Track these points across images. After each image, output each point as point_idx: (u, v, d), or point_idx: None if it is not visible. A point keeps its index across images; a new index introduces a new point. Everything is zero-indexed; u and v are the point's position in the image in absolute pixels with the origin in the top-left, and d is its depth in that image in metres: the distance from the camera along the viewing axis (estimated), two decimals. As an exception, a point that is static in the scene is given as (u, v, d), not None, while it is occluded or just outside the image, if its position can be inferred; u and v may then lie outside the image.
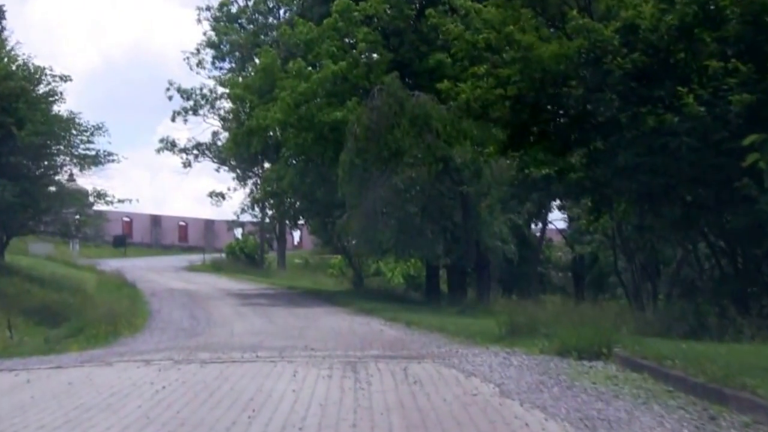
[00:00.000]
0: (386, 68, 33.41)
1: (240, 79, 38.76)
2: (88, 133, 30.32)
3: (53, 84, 30.08)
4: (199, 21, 50.54)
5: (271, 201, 37.47)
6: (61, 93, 30.21)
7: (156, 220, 77.25)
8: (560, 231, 39.50)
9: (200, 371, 12.37)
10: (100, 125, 30.79)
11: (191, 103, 52.81)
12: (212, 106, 48.96)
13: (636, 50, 16.27)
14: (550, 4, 17.63)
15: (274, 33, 40.42)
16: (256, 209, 42.54)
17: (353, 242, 32.50)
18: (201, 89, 51.86)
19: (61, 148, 30.06)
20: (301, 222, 45.94)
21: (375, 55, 34.73)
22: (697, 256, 20.38)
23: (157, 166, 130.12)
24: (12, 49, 30.42)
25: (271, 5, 44.34)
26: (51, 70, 30.07)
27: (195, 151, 53.75)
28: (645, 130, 16.22)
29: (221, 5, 48.18)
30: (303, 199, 37.54)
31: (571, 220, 34.22)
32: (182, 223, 78.55)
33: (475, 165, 30.22)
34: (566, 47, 16.58)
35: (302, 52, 34.79)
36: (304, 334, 21.21)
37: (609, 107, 16.68)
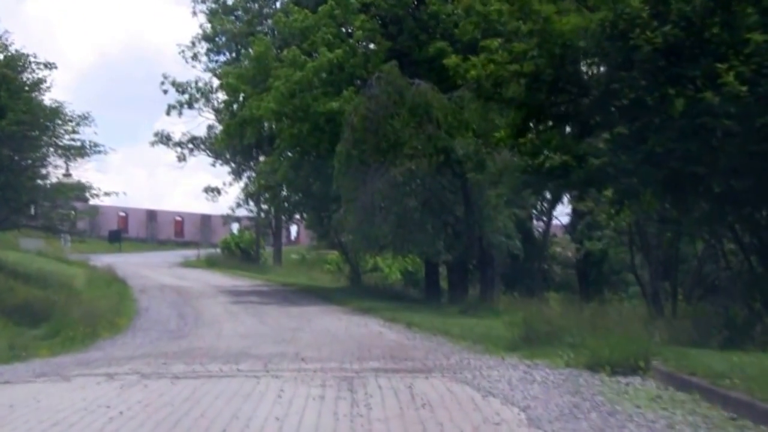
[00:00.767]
0: (384, 57, 31.27)
1: (234, 69, 36.52)
2: (73, 123, 28.04)
3: (37, 72, 27.86)
4: (194, 13, 48.11)
5: (266, 195, 35.22)
6: (45, 81, 28.01)
7: (152, 215, 75.01)
8: (564, 226, 37.28)
9: (169, 390, 10.21)
10: (86, 115, 28.50)
11: (186, 96, 50.49)
12: (207, 99, 46.67)
13: (667, 23, 14.08)
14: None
15: (269, 21, 38.18)
16: (251, 203, 40.28)
17: (350, 237, 30.18)
18: (196, 82, 49.54)
19: (46, 138, 27.69)
20: (297, 216, 43.63)
21: (372, 45, 32.53)
22: (723, 253, 18.24)
23: (155, 162, 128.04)
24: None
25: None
26: (35, 57, 27.85)
27: (190, 145, 51.44)
28: (674, 113, 14.07)
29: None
30: (298, 193, 35.30)
31: (579, 214, 31.88)
32: (178, 218, 76.31)
33: (477, 156, 28.07)
34: (588, 20, 14.38)
35: (297, 40, 32.59)
36: (296, 337, 19.08)
37: (636, 87, 14.52)
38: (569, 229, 36.66)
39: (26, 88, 27.44)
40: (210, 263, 53.12)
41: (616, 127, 14.92)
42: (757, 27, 13.73)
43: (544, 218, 37.19)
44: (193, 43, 48.62)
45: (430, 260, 34.29)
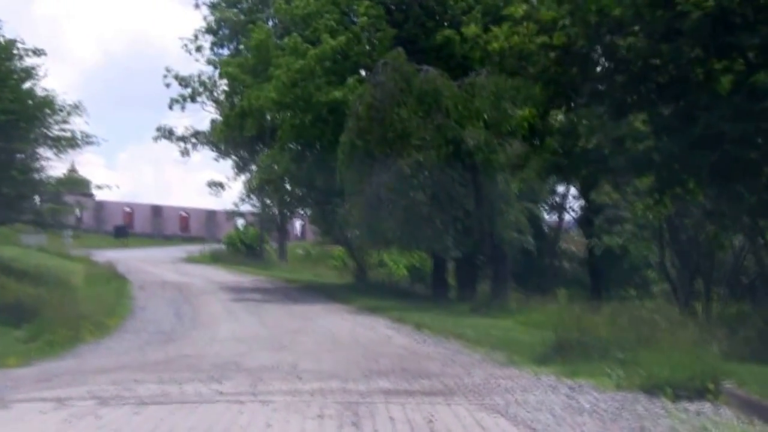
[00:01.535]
0: (390, 45, 28.93)
1: (234, 59, 34.14)
2: (63, 113, 25.61)
3: (26, 59, 25.45)
4: (197, 5, 45.68)
5: (267, 189, 32.81)
6: (35, 69, 25.58)
7: (157, 211, 72.57)
8: (576, 221, 34.80)
9: (127, 423, 7.85)
10: (78, 104, 26.05)
11: (189, 90, 48.15)
12: (210, 93, 44.28)
13: (722, -16, 11.72)
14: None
15: (271, 10, 35.75)
16: (253, 198, 37.73)
17: (355, 233, 27.68)
18: (199, 76, 47.15)
19: (36, 129, 25.26)
20: (299, 211, 41.18)
21: (377, 32, 30.13)
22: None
23: (162, 159, 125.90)
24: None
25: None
26: (23, 42, 25.43)
27: (193, 140, 49.03)
28: (721, 91, 11.70)
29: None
30: (300, 187, 32.87)
31: (597, 208, 29.27)
32: (184, 214, 73.84)
33: (489, 147, 25.71)
34: (628, -16, 12.04)
35: (299, 28, 30.22)
36: (295, 341, 16.73)
37: (680, 61, 12.14)
38: (582, 223, 34.23)
39: (14, 76, 25.00)
40: (214, 259, 50.76)
41: (657, 106, 12.55)
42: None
43: (551, 213, 34.75)
44: (196, 36, 46.37)
45: (438, 256, 31.96)
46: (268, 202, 37.65)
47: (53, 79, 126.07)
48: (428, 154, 25.88)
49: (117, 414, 8.21)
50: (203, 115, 61.01)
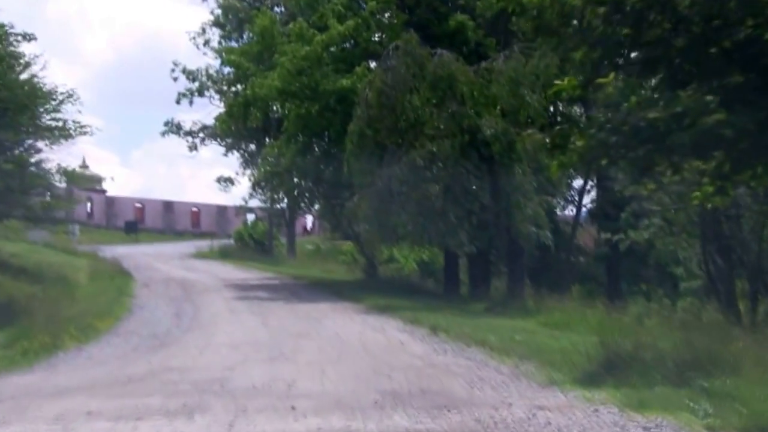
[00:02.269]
0: (400, 30, 26.34)
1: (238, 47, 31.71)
2: (55, 102, 23.14)
3: (15, 45, 23.01)
4: (204, -1, 43.18)
5: (272, 182, 30.30)
6: (25, 55, 23.19)
7: (168, 206, 70.00)
8: (590, 212, 32.17)
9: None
10: (72, 92, 23.57)
11: (197, 84, 45.62)
12: (216, 84, 41.65)
13: None
14: None
15: (276, -4, 33.27)
16: (259, 192, 35.35)
17: (365, 227, 25.06)
18: (207, 70, 44.56)
19: (25, 119, 22.78)
20: (304, 206, 38.55)
21: (387, 17, 27.63)
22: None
23: (175, 156, 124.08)
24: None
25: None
26: (12, 27, 22.99)
27: (201, 135, 46.43)
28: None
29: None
30: (307, 180, 30.32)
31: (621, 201, 26.59)
32: (195, 209, 71.34)
33: (507, 137, 23.20)
34: None
35: (306, 14, 27.71)
36: (297, 349, 14.28)
37: (758, 20, 9.61)
38: (597, 217, 31.73)
39: (2, 63, 22.57)
40: (223, 255, 48.34)
41: (724, 75, 10.00)
42: None
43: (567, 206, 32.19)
44: (204, 30, 43.85)
45: (450, 252, 29.49)
46: (275, 196, 35.07)
47: (65, 78, 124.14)
48: (442, 144, 23.38)
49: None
50: (211, 110, 58.27)
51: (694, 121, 9.62)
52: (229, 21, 40.72)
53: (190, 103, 44.66)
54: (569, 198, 31.22)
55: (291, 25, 27.02)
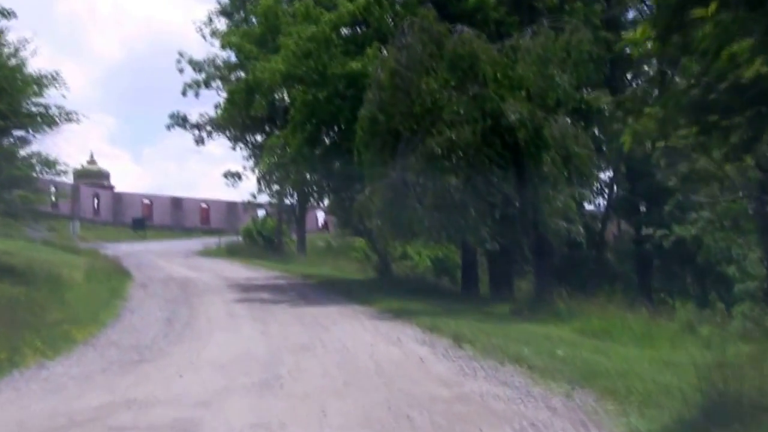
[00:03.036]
0: (415, 9, 23.64)
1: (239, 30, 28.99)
2: (36, 86, 20.40)
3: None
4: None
5: (277, 175, 27.50)
6: (3, 33, 20.47)
7: (177, 203, 67.28)
8: (619, 205, 29.22)
9: None
10: (56, 75, 20.79)
11: (204, 75, 43.08)
12: (220, 72, 39.09)
13: None
14: None
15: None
16: (264, 186, 32.44)
17: (377, 223, 22.16)
18: (213, 60, 41.97)
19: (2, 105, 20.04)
20: (316, 200, 35.74)
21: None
22: None
23: (186, 153, 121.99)
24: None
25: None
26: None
27: (208, 127, 43.80)
28: None
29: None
30: (315, 172, 27.50)
31: (663, 193, 23.63)
32: (204, 206, 68.59)
33: (533, 122, 20.41)
34: None
35: (314, -6, 24.98)
36: (296, 370, 11.55)
37: None
38: (626, 211, 28.87)
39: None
40: (231, 252, 45.73)
41: None
42: None
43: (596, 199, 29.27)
44: (210, 19, 41.32)
45: (469, 248, 26.73)
46: (282, 190, 32.31)
47: (76, 77, 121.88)
48: (462, 130, 20.58)
49: None
50: (218, 102, 55.80)
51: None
52: (236, 7, 38.23)
53: (196, 94, 42.37)
54: (597, 190, 28.33)
55: (296, 4, 24.26)
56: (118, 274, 30.03)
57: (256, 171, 27.76)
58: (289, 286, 28.53)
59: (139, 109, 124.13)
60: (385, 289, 25.98)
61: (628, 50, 15.13)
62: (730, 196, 16.30)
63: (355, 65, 23.47)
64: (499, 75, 20.60)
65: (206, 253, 45.85)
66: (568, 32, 20.50)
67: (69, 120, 20.70)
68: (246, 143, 40.23)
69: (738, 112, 7.21)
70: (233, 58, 32.65)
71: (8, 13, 20.34)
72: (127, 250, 43.70)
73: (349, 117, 23.56)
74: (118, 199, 63.74)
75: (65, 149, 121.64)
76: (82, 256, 36.74)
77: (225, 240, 49.51)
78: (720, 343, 12.48)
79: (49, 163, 21.16)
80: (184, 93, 42.37)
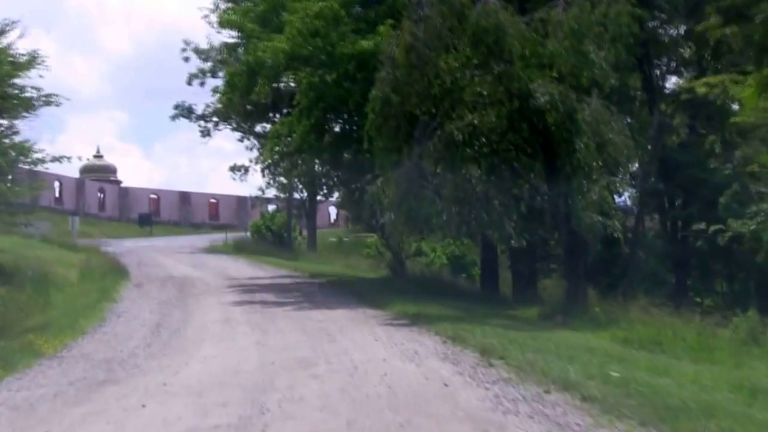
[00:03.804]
0: (433, -18, 21.13)
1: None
2: (11, 67, 18.04)
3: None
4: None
5: (282, 165, 25.05)
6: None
7: (185, 198, 64.93)
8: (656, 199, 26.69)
9: None
10: (35, 54, 18.41)
11: (209, 64, 40.85)
12: (222, 56, 36.87)
13: None
14: None
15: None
16: (269, 178, 29.93)
17: (390, 217, 19.60)
18: (220, 50, 39.67)
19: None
20: (324, 193, 33.26)
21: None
22: None
23: (196, 149, 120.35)
24: None
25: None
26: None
27: (215, 118, 41.46)
28: None
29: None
30: (323, 163, 25.05)
31: (687, 185, 21.18)
32: (213, 200, 66.20)
33: (565, 104, 17.93)
34: None
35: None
36: (291, 399, 9.19)
37: None
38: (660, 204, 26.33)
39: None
40: (238, 249, 43.42)
41: None
42: None
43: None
44: (217, 6, 38.91)
45: (489, 245, 24.30)
46: (289, 182, 29.91)
47: (86, 72, 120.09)
48: (485, 113, 18.17)
49: None
50: (217, 85, 53.52)
51: None
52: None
53: (202, 84, 40.17)
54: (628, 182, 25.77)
55: (302, -22, 21.89)
56: (114, 273, 28.07)
57: (259, 161, 25.43)
58: (295, 286, 26.22)
59: (150, 104, 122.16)
60: (398, 289, 23.75)
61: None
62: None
63: (366, 45, 21.08)
64: (527, 51, 18.17)
65: (212, 249, 43.60)
66: (606, 3, 18.06)
67: (48, 103, 18.33)
68: (253, 134, 37.83)
69: None
70: (225, 34, 30.32)
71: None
72: (130, 247, 41.69)
73: (359, 102, 21.18)
74: (125, 193, 61.55)
75: (74, 145, 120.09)
76: (79, 253, 34.63)
77: (233, 236, 47.18)
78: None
79: (24, 150, 18.79)
80: (189, 82, 40.13)
